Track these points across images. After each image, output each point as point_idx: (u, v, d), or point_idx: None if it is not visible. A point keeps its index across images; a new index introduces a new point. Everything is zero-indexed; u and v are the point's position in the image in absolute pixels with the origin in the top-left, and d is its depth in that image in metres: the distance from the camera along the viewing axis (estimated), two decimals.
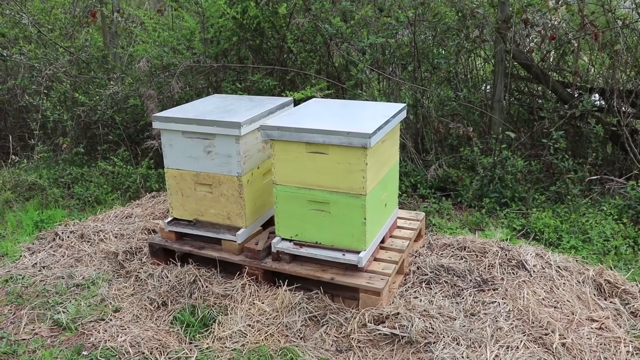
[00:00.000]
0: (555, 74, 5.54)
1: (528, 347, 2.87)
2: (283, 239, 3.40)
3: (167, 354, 2.94)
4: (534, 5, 5.16)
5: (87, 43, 6.65)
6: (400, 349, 2.91)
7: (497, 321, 3.06)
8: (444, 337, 2.93)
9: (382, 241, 3.54)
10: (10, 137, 6.18)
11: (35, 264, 3.90)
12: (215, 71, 5.73)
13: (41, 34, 6.44)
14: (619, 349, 2.86)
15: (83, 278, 3.69)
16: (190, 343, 3.03)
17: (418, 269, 3.57)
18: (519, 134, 5.25)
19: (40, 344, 3.08)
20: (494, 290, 3.35)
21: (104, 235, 4.23)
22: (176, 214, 3.71)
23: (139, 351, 2.96)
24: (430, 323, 3.01)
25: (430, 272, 3.51)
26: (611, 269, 3.58)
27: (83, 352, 2.99)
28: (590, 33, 4.89)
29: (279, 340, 3.02)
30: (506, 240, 4.02)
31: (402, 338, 2.93)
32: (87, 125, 6.08)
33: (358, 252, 3.20)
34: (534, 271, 3.50)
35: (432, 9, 5.46)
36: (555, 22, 5.31)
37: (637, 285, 3.40)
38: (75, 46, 6.50)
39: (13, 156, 5.81)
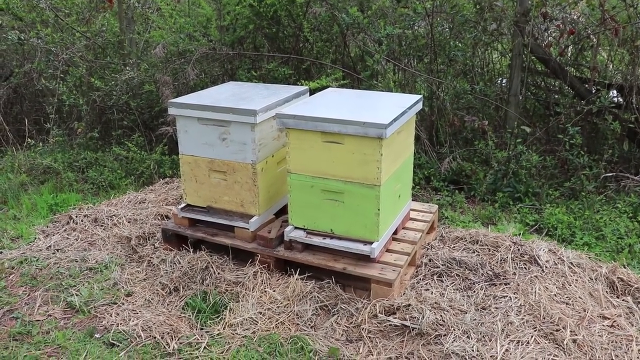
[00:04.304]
0: (573, 69, 5.48)
1: (539, 343, 2.86)
2: (296, 228, 3.40)
3: (178, 339, 2.96)
4: None
5: (103, 28, 6.66)
6: (410, 341, 2.91)
7: (508, 315, 3.05)
8: (454, 329, 2.93)
9: (395, 232, 3.54)
10: (27, 120, 6.22)
11: (50, 246, 3.94)
12: (231, 59, 5.73)
13: (58, 18, 6.47)
14: (631, 347, 2.85)
15: (96, 262, 3.73)
16: (202, 329, 3.05)
17: (430, 261, 3.56)
18: (535, 128, 5.20)
19: (54, 325, 3.12)
20: (505, 284, 3.33)
21: (117, 220, 4.26)
22: (190, 200, 3.73)
23: (150, 335, 2.99)
24: (441, 315, 3.01)
25: (442, 265, 3.50)
26: (624, 267, 3.55)
27: (95, 335, 3.02)
28: (611, 28, 4.82)
29: (289, 328, 3.03)
30: (519, 235, 4.00)
31: (413, 330, 2.94)
32: (102, 110, 6.11)
33: (371, 243, 3.20)
34: (546, 267, 3.48)
35: (450, 0, 5.41)
36: (575, 17, 5.25)
37: None
38: (92, 31, 6.52)
39: (29, 139, 5.85)
